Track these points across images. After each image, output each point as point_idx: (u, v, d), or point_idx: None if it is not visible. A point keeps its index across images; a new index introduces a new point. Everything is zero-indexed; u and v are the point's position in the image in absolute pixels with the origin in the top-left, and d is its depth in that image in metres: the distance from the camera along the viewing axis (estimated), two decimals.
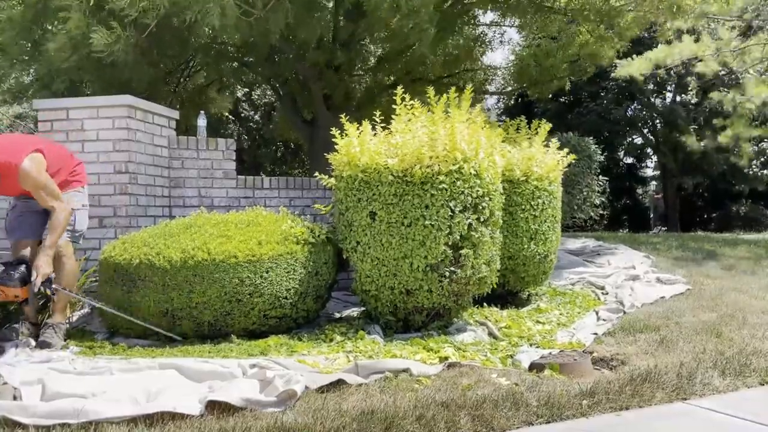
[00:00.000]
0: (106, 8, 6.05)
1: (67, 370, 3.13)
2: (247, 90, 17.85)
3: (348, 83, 9.68)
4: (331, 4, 9.51)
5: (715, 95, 12.40)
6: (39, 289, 3.64)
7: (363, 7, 6.49)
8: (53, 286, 3.73)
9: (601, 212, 9.89)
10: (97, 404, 2.58)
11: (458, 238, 4.07)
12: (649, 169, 24.90)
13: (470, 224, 4.10)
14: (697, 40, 10.71)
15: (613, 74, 11.64)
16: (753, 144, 13.45)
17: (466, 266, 4.09)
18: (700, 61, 11.04)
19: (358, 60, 9.49)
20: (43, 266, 3.66)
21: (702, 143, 13.19)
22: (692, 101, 19.20)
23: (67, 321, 4.08)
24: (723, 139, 12.16)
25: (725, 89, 12.93)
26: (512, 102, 21.17)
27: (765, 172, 18.94)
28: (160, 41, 7.63)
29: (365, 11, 7.03)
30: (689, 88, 16.85)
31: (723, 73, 12.93)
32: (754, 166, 18.27)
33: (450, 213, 4.02)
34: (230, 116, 18.08)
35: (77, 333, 4.14)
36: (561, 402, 2.84)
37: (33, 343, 3.76)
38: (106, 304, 4.01)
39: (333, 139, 4.30)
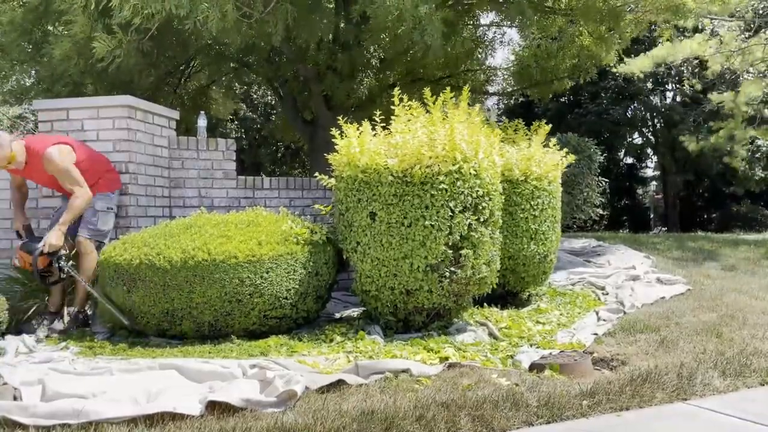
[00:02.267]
0: (110, 16, 6.04)
1: (68, 370, 3.14)
2: (248, 91, 17.85)
3: (348, 84, 9.66)
4: (332, 6, 9.51)
5: (714, 97, 12.42)
6: (51, 263, 4.08)
7: (368, 15, 6.49)
8: (62, 263, 4.11)
9: (601, 212, 9.89)
10: (97, 404, 2.58)
11: (458, 238, 4.06)
12: (649, 169, 24.92)
13: (470, 224, 4.10)
14: (700, 33, 10.72)
15: (615, 70, 11.67)
16: (748, 145, 13.46)
17: (466, 266, 4.09)
18: (702, 60, 11.07)
19: (358, 61, 9.48)
20: (51, 237, 4.08)
21: (699, 143, 13.20)
22: (693, 101, 19.19)
23: (83, 310, 4.38)
24: (714, 139, 12.18)
25: (724, 89, 12.94)
26: (512, 102, 21.16)
27: (760, 172, 18.87)
28: (160, 43, 7.63)
29: (368, 17, 7.05)
30: (689, 88, 16.85)
31: (725, 72, 12.94)
32: (755, 167, 18.23)
33: (450, 213, 4.02)
34: (230, 116, 18.09)
35: (78, 333, 4.15)
36: (561, 402, 2.84)
37: (33, 342, 3.78)
38: (107, 302, 4.03)
39: (333, 140, 4.31)
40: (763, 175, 18.87)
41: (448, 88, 4.32)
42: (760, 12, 11.29)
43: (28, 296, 4.37)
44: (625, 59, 10.97)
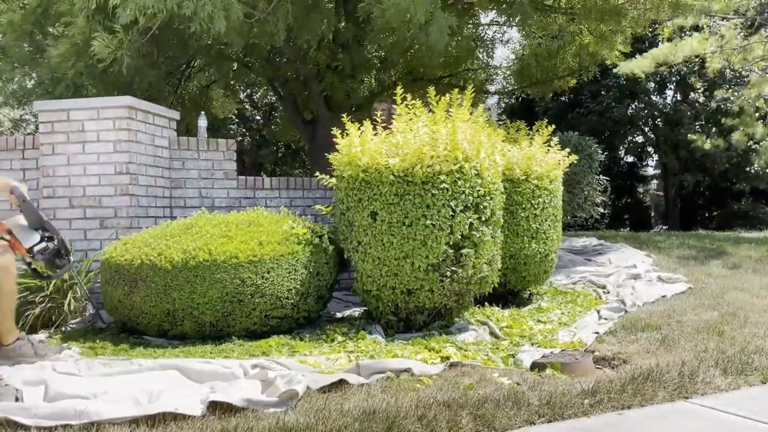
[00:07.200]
0: (110, 17, 6.02)
1: (71, 371, 3.14)
2: (249, 91, 17.86)
3: (349, 83, 9.68)
4: (332, 6, 9.51)
5: (720, 93, 12.39)
6: None
7: (374, 16, 6.49)
8: None
9: (602, 211, 9.87)
10: (98, 405, 2.58)
11: (459, 237, 4.06)
12: (650, 167, 24.91)
13: (471, 224, 4.10)
14: (700, 33, 10.71)
15: (615, 71, 11.65)
16: (755, 142, 13.42)
17: (468, 266, 4.09)
18: (703, 59, 11.06)
19: (359, 61, 9.48)
20: None
21: (708, 142, 13.16)
22: (696, 99, 19.17)
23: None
24: (738, 137, 12.12)
25: (729, 87, 12.92)
26: (513, 101, 21.16)
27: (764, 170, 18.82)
28: (161, 43, 7.63)
29: (371, 17, 7.05)
30: (692, 87, 16.83)
31: (727, 71, 12.94)
32: (757, 165, 18.20)
33: (451, 213, 4.02)
34: (231, 117, 18.10)
35: (79, 333, 4.15)
36: (563, 401, 2.84)
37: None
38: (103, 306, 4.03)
39: (334, 139, 4.30)
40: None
41: (456, 90, 4.31)
42: (763, 12, 11.28)
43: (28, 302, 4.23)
44: (625, 60, 10.95)
